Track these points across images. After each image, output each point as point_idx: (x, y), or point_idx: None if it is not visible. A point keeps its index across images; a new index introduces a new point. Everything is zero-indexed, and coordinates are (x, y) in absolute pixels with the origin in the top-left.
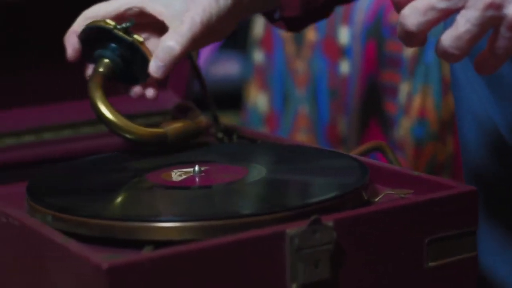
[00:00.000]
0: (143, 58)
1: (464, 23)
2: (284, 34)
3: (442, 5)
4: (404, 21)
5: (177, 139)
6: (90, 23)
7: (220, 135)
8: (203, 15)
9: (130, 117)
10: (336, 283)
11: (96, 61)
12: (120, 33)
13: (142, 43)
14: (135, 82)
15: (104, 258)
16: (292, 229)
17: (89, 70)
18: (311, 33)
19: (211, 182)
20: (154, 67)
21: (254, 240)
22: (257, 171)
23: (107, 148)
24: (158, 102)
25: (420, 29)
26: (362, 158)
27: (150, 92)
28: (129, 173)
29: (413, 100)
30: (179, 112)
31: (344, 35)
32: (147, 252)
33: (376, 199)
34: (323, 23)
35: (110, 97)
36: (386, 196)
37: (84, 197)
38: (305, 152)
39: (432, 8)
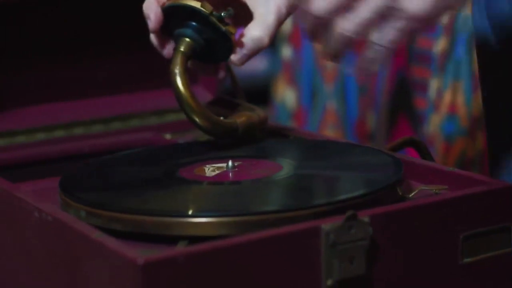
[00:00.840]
0: (226, 44)
1: (363, 7)
2: None
3: None
4: (312, 5)
5: (247, 131)
6: (185, 2)
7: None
8: (288, 5)
9: (161, 112)
10: (371, 279)
11: (178, 39)
12: (214, 20)
13: (232, 34)
14: (217, 60)
15: (139, 253)
16: (327, 225)
17: (168, 47)
18: None
19: (245, 178)
20: (239, 56)
21: (289, 236)
22: (291, 167)
23: (137, 143)
24: None
25: (330, 13)
26: (396, 154)
27: (221, 74)
28: (162, 168)
29: (443, 96)
30: (218, 107)
31: None
32: (181, 247)
33: (411, 195)
34: None
35: (141, 91)
36: (420, 191)
37: (117, 192)
38: (338, 147)
39: None
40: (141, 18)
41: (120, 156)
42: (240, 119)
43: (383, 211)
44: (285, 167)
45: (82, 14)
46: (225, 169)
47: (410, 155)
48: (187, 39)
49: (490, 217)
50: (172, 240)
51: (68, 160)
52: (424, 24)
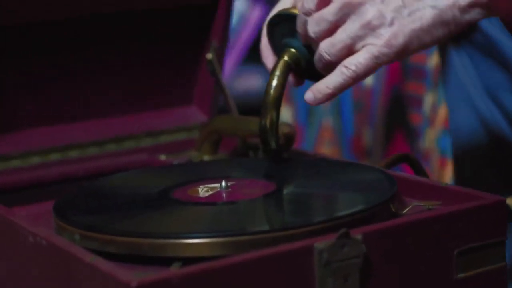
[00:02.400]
0: None
1: (341, 32)
2: None
3: (330, 18)
4: (307, 28)
5: (287, 145)
6: (287, 10)
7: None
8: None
9: (155, 133)
10: None
11: (283, 49)
12: None
13: None
14: (316, 79)
15: (133, 275)
16: (320, 243)
17: (269, 58)
18: None
19: (238, 198)
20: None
21: (283, 255)
22: (284, 186)
23: (132, 165)
24: (183, 118)
25: (317, 36)
26: (389, 171)
27: None
28: (155, 189)
29: (438, 111)
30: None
31: None
32: (175, 269)
33: (404, 211)
34: None
35: (135, 113)
36: (414, 208)
37: (111, 214)
38: (331, 165)
39: (324, 19)
40: (135, 40)
41: (113, 178)
42: (283, 131)
43: (376, 229)
44: (278, 186)
45: (76, 38)
46: (218, 189)
47: (406, 170)
48: (293, 50)
49: (483, 232)
50: (167, 261)
51: (64, 183)
52: (396, 57)
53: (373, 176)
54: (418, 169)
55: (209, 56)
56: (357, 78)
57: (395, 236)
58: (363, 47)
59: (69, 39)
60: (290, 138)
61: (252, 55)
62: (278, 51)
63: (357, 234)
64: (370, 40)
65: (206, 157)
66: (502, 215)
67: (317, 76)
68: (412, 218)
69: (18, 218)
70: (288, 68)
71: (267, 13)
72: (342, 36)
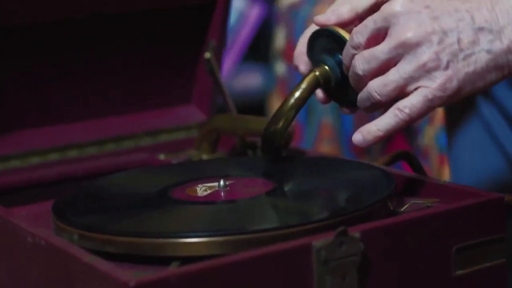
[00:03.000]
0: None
1: (394, 73)
2: None
3: (383, 57)
4: (354, 64)
5: (285, 144)
6: (340, 32)
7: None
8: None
9: (154, 132)
10: None
11: (317, 63)
12: None
13: None
14: (342, 102)
15: (131, 275)
16: (318, 241)
17: (303, 66)
18: None
19: (236, 197)
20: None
21: (281, 254)
22: (283, 184)
23: (132, 165)
24: (182, 117)
25: (365, 74)
26: (388, 168)
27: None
28: (154, 189)
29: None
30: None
31: None
32: (173, 268)
33: (402, 209)
34: None
35: (134, 112)
36: (412, 205)
37: (110, 214)
38: (330, 163)
39: (376, 58)
40: (134, 40)
41: (112, 178)
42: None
43: (374, 226)
44: (276, 185)
45: (75, 38)
46: (216, 189)
47: (405, 168)
48: (326, 67)
49: (482, 229)
50: (166, 261)
51: (63, 183)
52: (448, 100)
53: (371, 174)
54: (417, 167)
55: (207, 55)
56: (410, 121)
57: (393, 234)
58: (415, 89)
59: (69, 39)
60: (288, 138)
61: (251, 53)
62: (313, 63)
63: (355, 232)
64: (424, 82)
65: (205, 156)
66: (501, 212)
67: (343, 99)
68: (410, 215)
69: (17, 219)
70: (316, 84)
71: (266, 11)
72: (395, 76)
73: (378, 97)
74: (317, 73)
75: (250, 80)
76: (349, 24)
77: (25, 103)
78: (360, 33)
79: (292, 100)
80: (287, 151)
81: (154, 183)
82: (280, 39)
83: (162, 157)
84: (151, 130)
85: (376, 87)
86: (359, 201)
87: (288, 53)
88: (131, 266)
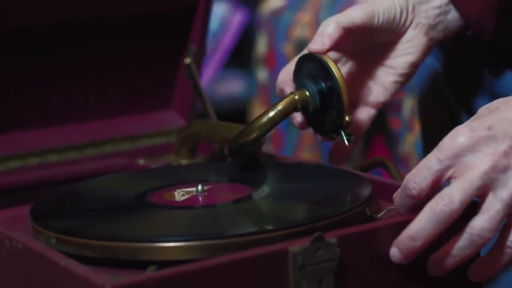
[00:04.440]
0: (337, 125)
1: (495, 202)
2: (287, 52)
3: (436, 166)
4: (407, 178)
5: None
6: (332, 67)
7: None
8: None
9: (134, 137)
10: None
11: (299, 87)
12: (343, 104)
13: (348, 123)
14: (317, 130)
15: (107, 279)
16: (295, 247)
17: (286, 87)
18: None
19: (214, 201)
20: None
21: (257, 258)
22: (260, 190)
23: (111, 169)
24: (162, 123)
25: (419, 187)
26: (365, 174)
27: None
28: (132, 193)
29: (417, 115)
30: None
31: None
32: (150, 272)
33: (379, 215)
34: None
35: (113, 117)
36: (389, 211)
37: (87, 219)
38: (307, 169)
39: (428, 168)
40: (114, 44)
41: (90, 182)
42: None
43: (350, 232)
44: (254, 190)
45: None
46: (194, 193)
47: (386, 175)
48: (307, 93)
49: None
50: (143, 265)
51: (42, 187)
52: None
53: (349, 180)
54: (393, 173)
55: (187, 61)
56: None
57: (370, 240)
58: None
59: (52, 41)
60: (257, 146)
61: (233, 60)
62: (296, 86)
63: (332, 238)
64: None
65: (184, 162)
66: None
67: (319, 128)
68: (387, 221)
69: None
70: (294, 107)
71: (248, 17)
72: (497, 206)
73: (489, 234)
74: (296, 96)
75: (233, 86)
76: (341, 43)
77: (2, 108)
78: (422, 177)
79: (265, 119)
80: (266, 158)
81: (133, 188)
82: (261, 45)
83: (141, 162)
84: (130, 135)
85: (484, 224)
86: (336, 207)
87: (269, 60)
88: (108, 270)
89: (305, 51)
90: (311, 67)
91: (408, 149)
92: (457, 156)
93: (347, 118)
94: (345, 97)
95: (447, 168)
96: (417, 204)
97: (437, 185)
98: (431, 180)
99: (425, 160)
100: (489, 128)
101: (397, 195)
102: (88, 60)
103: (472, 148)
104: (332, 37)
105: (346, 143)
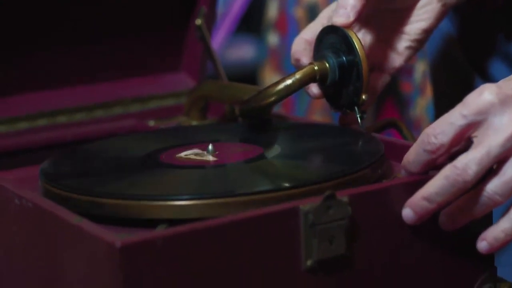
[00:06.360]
0: (353, 99)
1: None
2: (299, 16)
3: (459, 122)
4: (425, 133)
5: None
6: (350, 32)
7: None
8: None
9: (144, 99)
10: (351, 259)
11: (320, 58)
12: (363, 76)
13: (364, 101)
14: (332, 102)
15: (118, 236)
16: (305, 205)
17: (305, 59)
18: None
19: (225, 161)
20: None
21: (268, 217)
22: (271, 149)
23: (120, 131)
24: (172, 84)
25: (439, 142)
26: (377, 135)
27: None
28: (142, 153)
29: (428, 80)
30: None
31: None
32: (160, 230)
33: (391, 176)
34: None
35: (123, 78)
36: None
37: (98, 178)
38: (319, 129)
39: (451, 123)
40: (124, 5)
41: (102, 143)
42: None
43: (362, 191)
44: (265, 150)
45: (61, 4)
46: (205, 153)
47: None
48: (326, 65)
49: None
50: (153, 224)
51: (51, 149)
52: None
53: (360, 140)
54: (405, 134)
55: (198, 21)
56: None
57: (382, 199)
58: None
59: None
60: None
61: (244, 24)
62: (316, 56)
63: (343, 196)
64: None
65: (194, 123)
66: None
67: (334, 101)
68: (399, 181)
69: (3, 181)
70: (312, 78)
71: None
72: None
73: (500, 199)
74: (316, 67)
75: (243, 51)
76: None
77: (12, 69)
78: (443, 132)
79: (281, 86)
80: (277, 118)
81: (143, 148)
82: (272, 9)
83: (151, 123)
84: (140, 96)
85: (496, 188)
86: (347, 166)
87: (280, 24)
88: (118, 229)
89: (311, 28)
90: (334, 40)
91: (419, 113)
92: (482, 113)
93: (363, 97)
94: (365, 75)
95: (471, 124)
96: (433, 162)
97: (457, 143)
98: (452, 135)
99: (447, 115)
100: None
101: (410, 154)
102: (98, 21)
103: (498, 106)
104: (356, 8)
105: (359, 120)
